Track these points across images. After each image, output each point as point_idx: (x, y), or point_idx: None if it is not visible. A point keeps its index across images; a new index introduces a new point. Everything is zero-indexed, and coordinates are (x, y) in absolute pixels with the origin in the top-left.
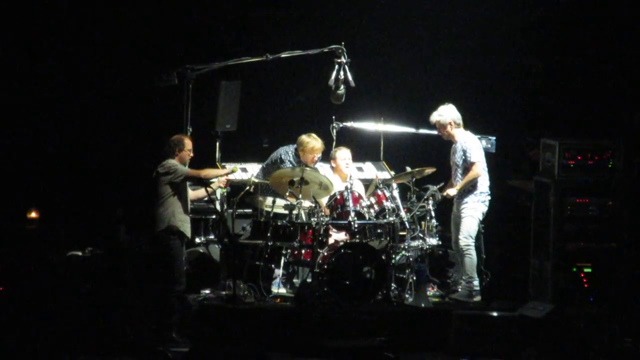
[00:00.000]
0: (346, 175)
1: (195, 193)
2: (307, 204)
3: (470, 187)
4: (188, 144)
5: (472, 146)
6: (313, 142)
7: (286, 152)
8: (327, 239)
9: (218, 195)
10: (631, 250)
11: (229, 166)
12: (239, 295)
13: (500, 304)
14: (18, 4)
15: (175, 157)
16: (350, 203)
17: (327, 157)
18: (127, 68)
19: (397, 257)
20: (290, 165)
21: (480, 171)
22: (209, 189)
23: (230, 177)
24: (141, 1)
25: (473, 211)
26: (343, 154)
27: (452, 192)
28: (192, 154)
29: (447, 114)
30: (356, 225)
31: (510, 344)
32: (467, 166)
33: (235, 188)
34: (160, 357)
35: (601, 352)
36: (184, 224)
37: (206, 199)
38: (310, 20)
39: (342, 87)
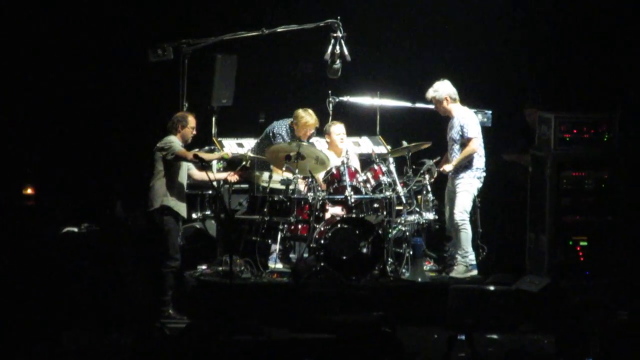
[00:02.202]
0: (341, 150)
1: (200, 174)
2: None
3: (466, 163)
4: (192, 121)
5: (469, 122)
6: (307, 117)
7: (280, 126)
8: (323, 213)
9: (215, 171)
10: (627, 224)
11: (226, 149)
12: (236, 270)
13: (496, 278)
14: None
15: (178, 133)
16: (347, 178)
17: (323, 132)
18: (122, 43)
19: (394, 232)
20: (282, 140)
21: (477, 147)
22: (210, 174)
23: (227, 150)
24: None
25: (469, 186)
26: (337, 129)
27: (448, 167)
28: (195, 132)
29: (442, 89)
30: (353, 200)
31: (507, 318)
32: (464, 142)
33: (231, 163)
34: (157, 333)
35: (597, 326)
36: (178, 204)
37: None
38: None
39: (338, 61)
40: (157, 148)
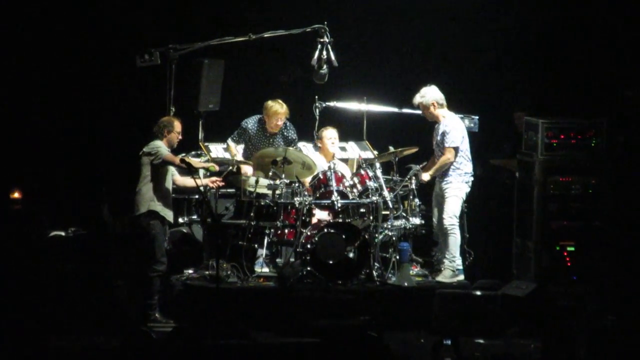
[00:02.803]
0: (332, 153)
1: (183, 180)
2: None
3: (453, 168)
4: (177, 126)
5: (451, 130)
6: (276, 106)
7: (248, 120)
8: (310, 218)
9: (201, 175)
10: (614, 229)
11: (213, 154)
12: (222, 275)
13: (483, 283)
14: None
15: (164, 138)
16: (334, 183)
17: (311, 136)
18: (109, 48)
19: (380, 237)
20: (242, 132)
21: (452, 157)
22: (197, 180)
23: (213, 155)
24: None
25: (457, 191)
26: (329, 133)
27: (425, 177)
28: (180, 137)
29: (429, 95)
30: (339, 205)
31: (493, 323)
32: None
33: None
34: (144, 337)
35: (584, 330)
36: (165, 209)
37: (197, 189)
38: (293, 0)
39: (324, 66)
40: (143, 153)
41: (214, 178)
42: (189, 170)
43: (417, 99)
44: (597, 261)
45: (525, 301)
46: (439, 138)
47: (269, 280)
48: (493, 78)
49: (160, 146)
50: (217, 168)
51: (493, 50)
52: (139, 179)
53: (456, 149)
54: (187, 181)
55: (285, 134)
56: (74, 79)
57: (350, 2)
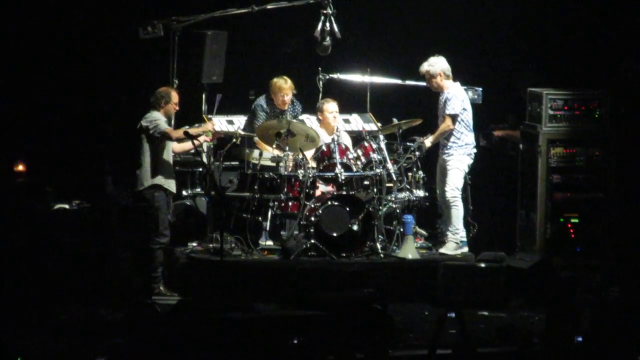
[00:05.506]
0: (333, 127)
1: (181, 146)
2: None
3: (454, 139)
4: (175, 97)
5: (452, 97)
6: (280, 81)
7: (260, 99)
8: (313, 191)
9: (205, 148)
10: (618, 201)
11: (217, 127)
12: (226, 247)
13: (487, 255)
14: None
15: (161, 109)
16: (337, 155)
17: (315, 109)
18: (112, 20)
19: (384, 209)
20: (261, 110)
21: (452, 124)
22: (195, 141)
23: (217, 129)
24: None
25: (459, 163)
26: (331, 107)
27: (427, 142)
28: (177, 108)
29: (437, 64)
30: (343, 177)
31: (497, 295)
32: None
33: (221, 140)
34: (148, 310)
35: (588, 302)
36: (168, 181)
37: (192, 151)
38: None
39: (328, 38)
40: (142, 126)
41: (208, 137)
42: (189, 139)
43: (425, 67)
44: (600, 233)
45: (529, 273)
46: (441, 106)
47: (272, 253)
48: (496, 49)
49: (159, 118)
50: (211, 128)
51: (496, 21)
52: (139, 152)
53: (455, 117)
54: (185, 145)
55: (293, 112)
56: (77, 51)
57: None
